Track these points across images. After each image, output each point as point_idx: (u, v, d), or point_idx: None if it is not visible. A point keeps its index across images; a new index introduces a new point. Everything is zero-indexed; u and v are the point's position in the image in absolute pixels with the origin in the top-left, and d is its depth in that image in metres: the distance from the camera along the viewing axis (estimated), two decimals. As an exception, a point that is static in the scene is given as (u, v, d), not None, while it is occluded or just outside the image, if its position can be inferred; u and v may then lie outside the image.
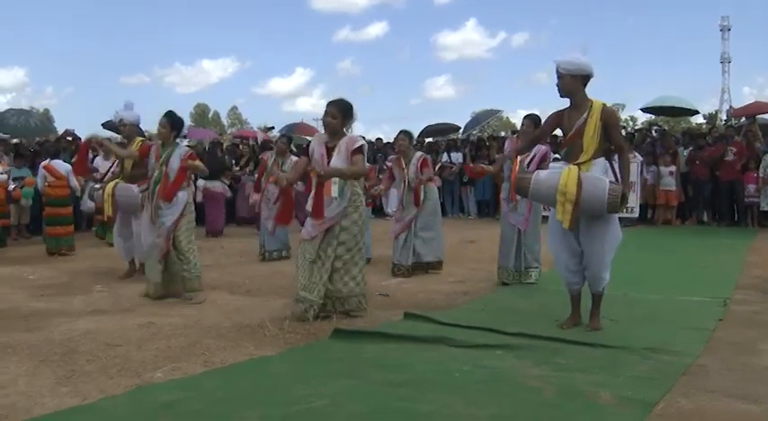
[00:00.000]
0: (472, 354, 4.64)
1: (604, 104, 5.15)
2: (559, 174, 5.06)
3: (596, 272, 5.25)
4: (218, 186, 13.40)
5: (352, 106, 5.92)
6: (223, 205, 13.67)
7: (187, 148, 6.89)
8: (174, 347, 4.88)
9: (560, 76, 5.13)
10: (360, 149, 5.78)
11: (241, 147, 18.91)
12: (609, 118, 5.11)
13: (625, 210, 13.15)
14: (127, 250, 8.11)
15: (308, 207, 5.85)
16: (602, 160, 5.12)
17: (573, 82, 5.10)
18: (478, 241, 11.06)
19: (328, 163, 5.76)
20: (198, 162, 6.95)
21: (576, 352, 4.69)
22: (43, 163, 10.87)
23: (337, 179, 5.70)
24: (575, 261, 5.34)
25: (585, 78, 5.13)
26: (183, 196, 6.75)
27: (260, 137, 20.30)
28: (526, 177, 5.28)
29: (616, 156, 5.29)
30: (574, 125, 5.11)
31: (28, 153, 14.02)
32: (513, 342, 4.89)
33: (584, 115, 5.07)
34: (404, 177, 8.30)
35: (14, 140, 16.14)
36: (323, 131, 6.06)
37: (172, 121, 6.89)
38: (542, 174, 5.26)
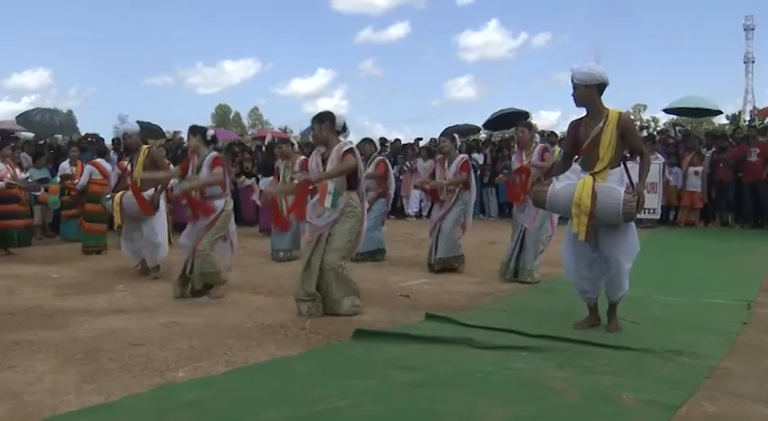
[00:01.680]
0: (494, 356, 4.62)
1: (620, 113, 5.11)
2: (574, 186, 5.05)
3: (615, 280, 5.21)
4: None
5: (329, 112, 6.17)
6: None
7: (214, 154, 7.02)
8: (196, 347, 4.90)
9: (575, 86, 5.10)
10: (350, 151, 6.00)
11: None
12: (626, 126, 5.07)
13: (646, 212, 13.14)
14: (135, 253, 8.30)
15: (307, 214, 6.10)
16: (618, 169, 5.09)
17: (588, 92, 5.07)
18: (499, 242, 11.01)
19: (324, 171, 5.98)
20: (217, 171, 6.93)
21: (600, 354, 4.66)
22: (92, 160, 11.08)
23: (332, 190, 5.90)
24: (588, 269, 5.31)
25: (600, 87, 5.08)
26: (217, 204, 6.89)
27: (268, 137, 20.25)
28: (543, 190, 5.26)
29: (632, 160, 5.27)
30: (590, 134, 5.08)
31: (49, 154, 14.16)
32: (535, 343, 4.87)
33: (600, 124, 5.03)
34: (445, 177, 8.50)
35: (40, 142, 16.31)
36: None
37: (194, 133, 7.09)
38: (558, 186, 5.23)
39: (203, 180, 6.83)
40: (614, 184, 5.00)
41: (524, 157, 7.84)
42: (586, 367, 4.38)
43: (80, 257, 10.04)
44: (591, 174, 5.04)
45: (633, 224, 5.20)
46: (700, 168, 14.27)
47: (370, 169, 9.44)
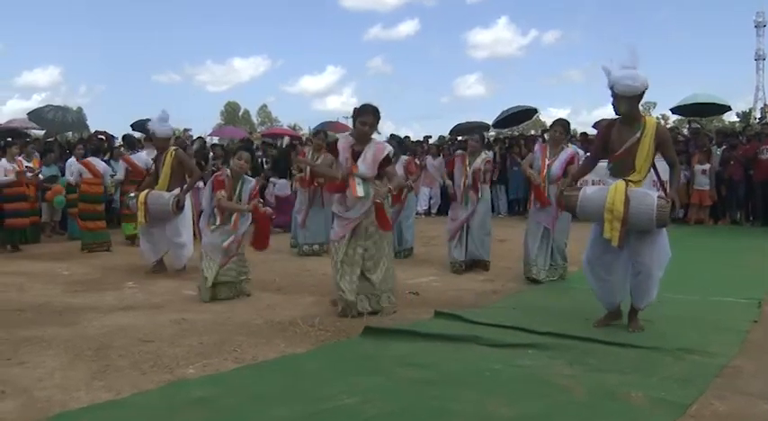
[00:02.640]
0: (503, 353, 4.63)
1: (658, 122, 5.06)
2: (606, 190, 4.99)
3: (643, 286, 5.16)
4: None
5: (379, 111, 5.96)
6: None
7: (253, 182, 7.01)
8: (205, 344, 4.92)
9: (619, 98, 4.91)
10: (389, 159, 5.92)
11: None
12: (663, 137, 5.00)
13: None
14: (154, 250, 8.25)
15: (334, 208, 6.02)
16: (650, 175, 5.06)
17: (635, 102, 4.95)
18: (509, 240, 10.99)
19: (353, 167, 5.84)
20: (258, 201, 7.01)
21: (609, 352, 4.65)
22: (82, 159, 11.07)
23: (360, 181, 5.78)
24: (606, 272, 5.26)
25: (643, 95, 4.94)
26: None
27: (286, 140, 20.28)
28: (573, 194, 5.18)
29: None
30: (625, 142, 4.97)
31: (60, 151, 14.19)
32: (544, 341, 4.87)
33: (638, 134, 4.93)
34: (466, 175, 8.37)
35: (49, 139, 16.35)
36: (351, 134, 6.12)
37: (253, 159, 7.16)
38: (589, 190, 5.18)
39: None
40: (646, 189, 4.96)
41: (548, 155, 7.62)
42: (594, 365, 4.38)
43: (89, 254, 10.07)
44: (624, 180, 4.98)
45: (664, 229, 5.13)
46: (707, 166, 14.17)
47: (399, 169, 9.14)
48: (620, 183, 4.95)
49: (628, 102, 4.91)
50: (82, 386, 3.98)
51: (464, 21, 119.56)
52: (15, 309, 6.12)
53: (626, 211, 4.86)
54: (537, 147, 8.04)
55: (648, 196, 4.88)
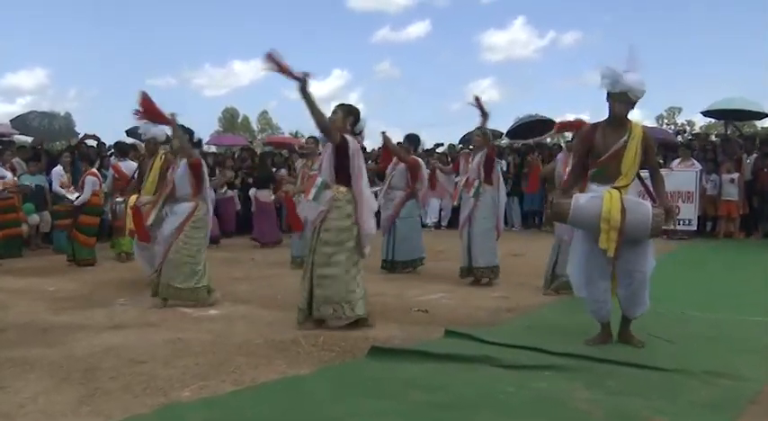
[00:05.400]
0: (518, 375, 4.62)
1: (644, 128, 5.21)
2: (601, 198, 5.05)
3: (639, 294, 5.25)
4: (265, 195, 13.66)
5: (357, 109, 6.32)
6: (274, 215, 13.93)
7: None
8: (202, 365, 4.92)
9: (630, 102, 5.06)
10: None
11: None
12: (650, 142, 5.20)
13: (681, 223, 13.08)
14: (150, 261, 8.21)
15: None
16: (635, 184, 5.19)
17: (633, 106, 5.11)
18: (524, 254, 11.00)
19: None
20: None
21: (630, 374, 4.64)
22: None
23: (317, 183, 6.04)
24: (601, 283, 5.31)
25: None
26: (185, 207, 7.21)
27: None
28: (565, 202, 5.22)
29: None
30: (610, 146, 5.10)
31: (47, 159, 14.21)
32: (561, 362, 4.86)
33: (624, 138, 5.07)
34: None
35: (36, 147, 16.37)
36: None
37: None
38: (582, 199, 5.21)
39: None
40: (635, 198, 5.09)
41: (568, 162, 7.99)
42: (615, 388, 4.36)
43: (76, 269, 10.07)
44: (613, 187, 5.06)
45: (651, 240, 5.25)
46: (735, 175, 14.10)
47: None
48: (615, 191, 5.04)
49: (631, 106, 5.09)
50: (68, 411, 3.97)
51: (478, 22, 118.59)
52: (-3, 328, 6.13)
53: (623, 221, 4.93)
54: (560, 155, 8.27)
55: (643, 205, 5.01)
